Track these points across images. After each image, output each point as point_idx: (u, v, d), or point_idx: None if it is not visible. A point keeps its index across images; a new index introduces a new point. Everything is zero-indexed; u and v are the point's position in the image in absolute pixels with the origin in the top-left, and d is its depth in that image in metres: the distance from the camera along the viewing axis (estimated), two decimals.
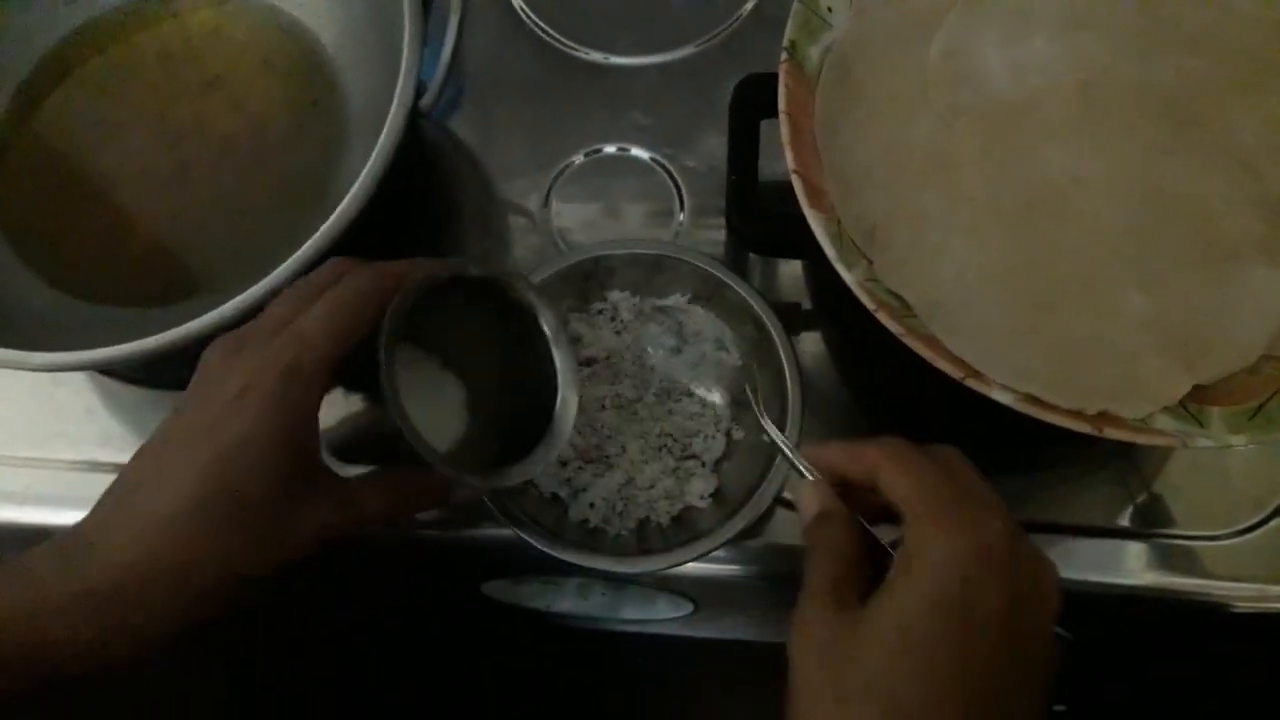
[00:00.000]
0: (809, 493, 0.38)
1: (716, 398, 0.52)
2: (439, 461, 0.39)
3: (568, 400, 0.45)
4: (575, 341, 0.53)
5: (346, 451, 0.44)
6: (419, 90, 0.47)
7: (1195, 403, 0.40)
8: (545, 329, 0.45)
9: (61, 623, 0.34)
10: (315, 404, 0.38)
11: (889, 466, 0.35)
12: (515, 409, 0.47)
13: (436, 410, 0.45)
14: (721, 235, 0.59)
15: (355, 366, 0.39)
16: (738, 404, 0.52)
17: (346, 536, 0.39)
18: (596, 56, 0.64)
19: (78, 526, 0.37)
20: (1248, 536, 0.51)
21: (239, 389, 0.36)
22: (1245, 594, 0.50)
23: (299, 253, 0.45)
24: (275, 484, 0.36)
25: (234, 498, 0.36)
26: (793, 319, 0.57)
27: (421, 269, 0.40)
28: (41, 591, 0.34)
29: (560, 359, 0.45)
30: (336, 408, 0.42)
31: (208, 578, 0.36)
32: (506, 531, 0.47)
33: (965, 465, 0.36)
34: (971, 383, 0.39)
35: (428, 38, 0.48)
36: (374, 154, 0.44)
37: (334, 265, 0.41)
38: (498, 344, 0.46)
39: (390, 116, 0.45)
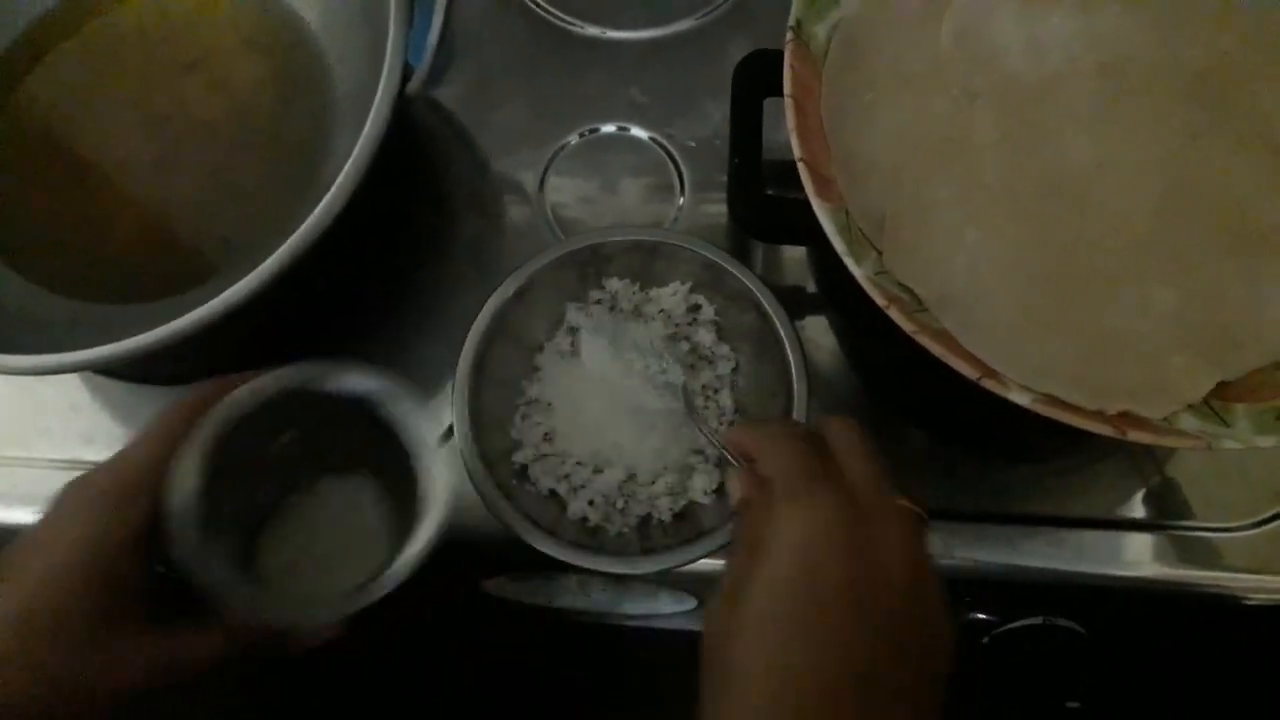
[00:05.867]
0: (733, 480, 0.39)
1: (719, 390, 0.50)
2: (248, 607, 0.37)
3: (433, 515, 0.39)
4: (573, 332, 0.51)
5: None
6: (405, 74, 0.45)
7: (1220, 399, 0.38)
8: (405, 445, 0.40)
9: None
10: (131, 527, 0.37)
11: (762, 450, 0.37)
12: (378, 522, 0.43)
13: (287, 539, 0.42)
14: (724, 216, 0.57)
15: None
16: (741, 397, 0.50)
17: (197, 674, 0.38)
18: (593, 31, 0.61)
19: None
20: (1265, 528, 0.49)
21: (64, 511, 0.37)
22: (1262, 586, 0.49)
23: (289, 242, 0.44)
24: (90, 607, 0.36)
25: (51, 615, 0.35)
26: (798, 303, 0.56)
27: (246, 384, 0.39)
28: None
29: (427, 471, 0.39)
30: None
31: (21, 694, 0.35)
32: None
33: (843, 442, 0.37)
34: (988, 383, 0.37)
35: (414, 18, 0.46)
36: (358, 145, 0.43)
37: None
38: (354, 452, 0.42)
39: (375, 105, 0.43)
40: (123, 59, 0.55)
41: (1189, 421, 0.37)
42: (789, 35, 0.42)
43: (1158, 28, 0.41)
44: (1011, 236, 0.40)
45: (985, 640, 0.52)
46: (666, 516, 0.48)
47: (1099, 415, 0.37)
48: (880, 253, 0.41)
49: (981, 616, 0.52)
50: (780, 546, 0.33)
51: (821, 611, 0.32)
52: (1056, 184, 0.40)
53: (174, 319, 0.43)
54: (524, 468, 0.49)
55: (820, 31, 0.44)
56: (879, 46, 0.43)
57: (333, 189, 0.43)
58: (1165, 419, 0.37)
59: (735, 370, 0.51)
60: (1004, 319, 0.39)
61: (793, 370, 0.47)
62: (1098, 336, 0.38)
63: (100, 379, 0.55)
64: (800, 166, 0.40)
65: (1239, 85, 0.40)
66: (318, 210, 0.43)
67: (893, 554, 0.33)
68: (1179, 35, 0.41)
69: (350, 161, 0.43)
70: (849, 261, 0.39)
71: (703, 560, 0.45)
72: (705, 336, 0.51)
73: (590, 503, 0.48)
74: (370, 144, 0.43)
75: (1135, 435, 0.36)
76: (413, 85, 0.45)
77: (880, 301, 0.38)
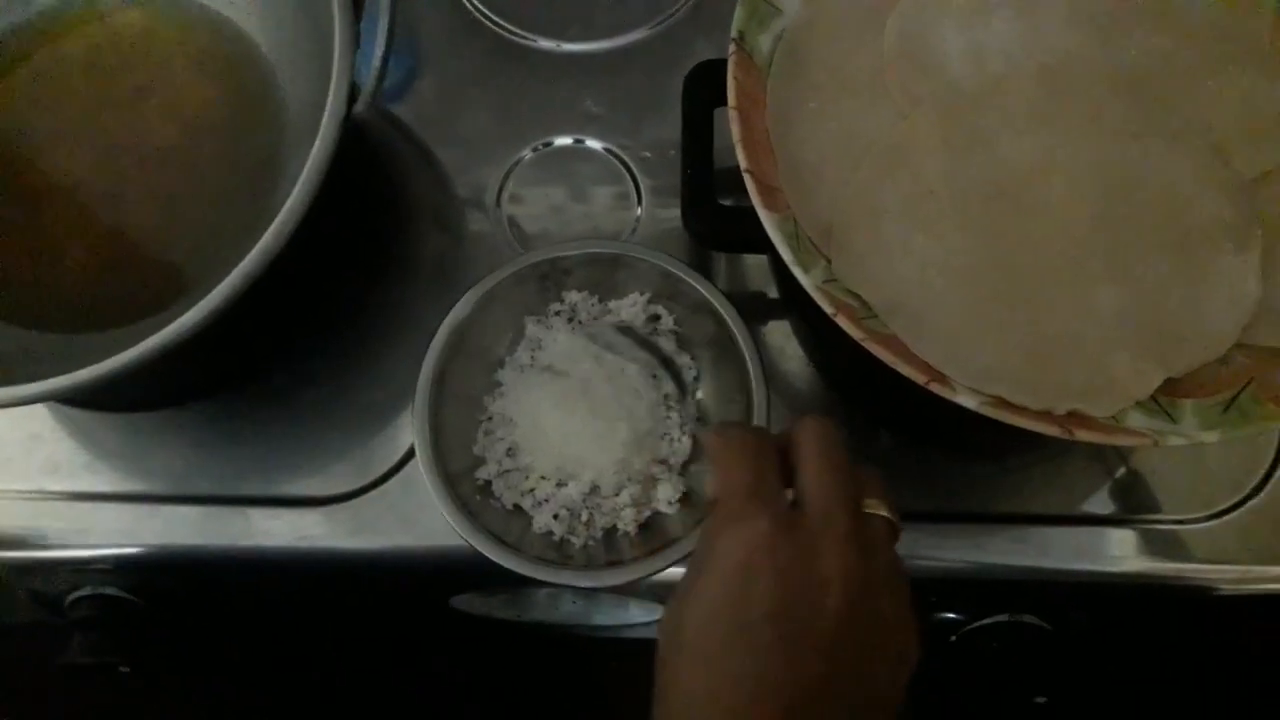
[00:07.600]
0: (707, 479, 0.39)
1: (680, 400, 0.50)
2: None
3: None
4: (534, 346, 0.51)
5: None
6: (353, 96, 0.45)
7: (1166, 395, 0.39)
8: None
9: None
10: None
11: (716, 462, 0.36)
12: None
13: None
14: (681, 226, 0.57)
15: None
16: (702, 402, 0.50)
17: None
18: (547, 44, 0.61)
19: None
20: (1226, 518, 0.50)
21: None
22: (1226, 576, 0.49)
23: (239, 268, 0.43)
24: None
25: None
26: (760, 309, 0.56)
27: None
28: None
29: None
30: None
31: None
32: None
33: (805, 447, 0.35)
34: (935, 388, 0.37)
35: (360, 41, 0.46)
36: (305, 168, 0.43)
37: None
38: None
39: (321, 128, 0.43)
40: (73, 86, 0.54)
41: (1137, 419, 0.38)
42: (731, 47, 0.42)
43: (1095, 30, 0.41)
44: (957, 241, 0.40)
45: (953, 639, 0.52)
46: (632, 528, 0.48)
47: (1047, 416, 0.37)
48: (829, 260, 0.41)
49: (948, 615, 0.52)
50: (713, 568, 0.33)
51: (748, 637, 0.31)
52: (1000, 188, 0.40)
53: (128, 348, 0.43)
54: (487, 484, 0.49)
55: (764, 42, 0.44)
56: (822, 55, 0.43)
57: (281, 214, 0.43)
58: (1113, 417, 0.38)
59: (697, 378, 0.51)
60: (951, 323, 0.39)
61: (751, 376, 0.47)
62: (1044, 337, 0.39)
63: (60, 408, 0.55)
64: (746, 178, 0.40)
65: (1176, 84, 0.40)
66: (267, 235, 0.43)
67: (829, 576, 0.32)
68: (1116, 37, 0.41)
69: (298, 185, 0.43)
70: (796, 270, 0.39)
71: (670, 570, 0.45)
72: (666, 346, 0.51)
73: (555, 516, 0.48)
74: (318, 167, 0.43)
75: (1083, 435, 0.36)
76: (359, 108, 0.45)
77: (828, 309, 0.38)
